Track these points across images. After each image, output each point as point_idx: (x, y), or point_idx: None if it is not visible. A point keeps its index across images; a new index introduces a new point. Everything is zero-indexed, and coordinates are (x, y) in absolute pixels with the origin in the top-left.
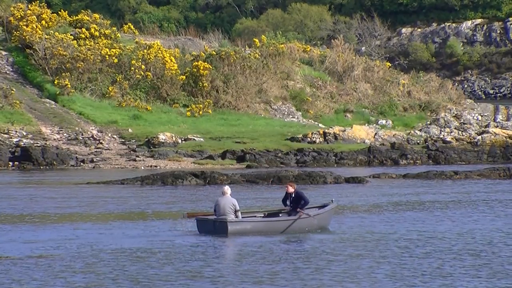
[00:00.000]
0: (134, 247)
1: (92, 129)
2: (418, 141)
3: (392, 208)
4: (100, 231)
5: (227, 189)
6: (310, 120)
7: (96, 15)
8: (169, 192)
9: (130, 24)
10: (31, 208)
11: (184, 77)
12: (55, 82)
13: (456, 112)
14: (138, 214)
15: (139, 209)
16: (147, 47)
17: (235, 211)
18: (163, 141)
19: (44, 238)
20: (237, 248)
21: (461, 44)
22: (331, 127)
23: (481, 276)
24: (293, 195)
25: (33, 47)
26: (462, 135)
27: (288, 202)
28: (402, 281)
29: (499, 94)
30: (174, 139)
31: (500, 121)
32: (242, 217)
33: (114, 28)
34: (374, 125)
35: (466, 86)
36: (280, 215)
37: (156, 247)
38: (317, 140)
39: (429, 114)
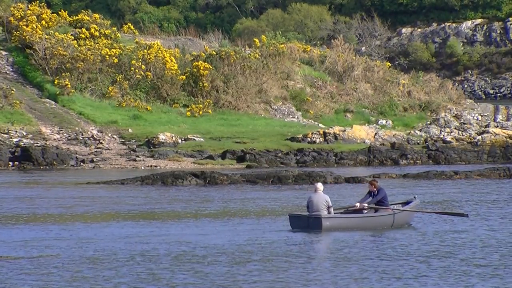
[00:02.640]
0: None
1: (92, 129)
2: (418, 141)
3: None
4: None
5: (320, 185)
6: (310, 120)
7: (96, 15)
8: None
9: (130, 24)
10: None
11: (184, 77)
12: (55, 82)
13: (456, 112)
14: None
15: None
16: (147, 47)
17: (328, 207)
18: (163, 141)
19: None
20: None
21: (461, 44)
22: (331, 127)
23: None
24: (376, 193)
25: (33, 47)
26: (462, 135)
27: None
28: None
29: (499, 94)
30: (174, 139)
31: (500, 121)
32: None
33: (114, 28)
34: (374, 125)
35: (466, 86)
36: (364, 211)
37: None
38: (317, 140)
39: (429, 114)
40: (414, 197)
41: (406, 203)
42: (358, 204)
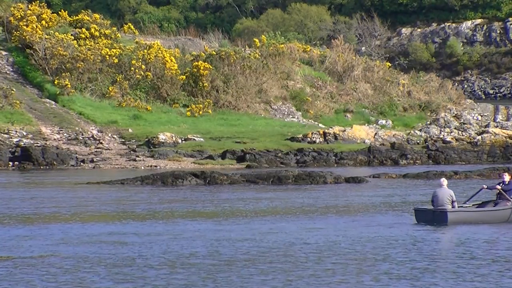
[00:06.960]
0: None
1: (92, 129)
2: (418, 141)
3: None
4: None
5: (444, 180)
6: (310, 120)
7: (96, 15)
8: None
9: (130, 24)
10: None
11: (184, 77)
12: (55, 82)
13: (456, 112)
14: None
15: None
16: (147, 47)
17: (452, 202)
18: (163, 141)
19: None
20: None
21: (461, 44)
22: (331, 127)
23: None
24: (506, 183)
25: (33, 47)
26: (462, 135)
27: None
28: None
29: (499, 94)
30: (174, 139)
31: (500, 121)
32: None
33: (114, 28)
34: (374, 125)
35: (466, 86)
36: (487, 205)
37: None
38: (317, 140)
39: (429, 114)
40: None
41: None
42: (498, 187)
